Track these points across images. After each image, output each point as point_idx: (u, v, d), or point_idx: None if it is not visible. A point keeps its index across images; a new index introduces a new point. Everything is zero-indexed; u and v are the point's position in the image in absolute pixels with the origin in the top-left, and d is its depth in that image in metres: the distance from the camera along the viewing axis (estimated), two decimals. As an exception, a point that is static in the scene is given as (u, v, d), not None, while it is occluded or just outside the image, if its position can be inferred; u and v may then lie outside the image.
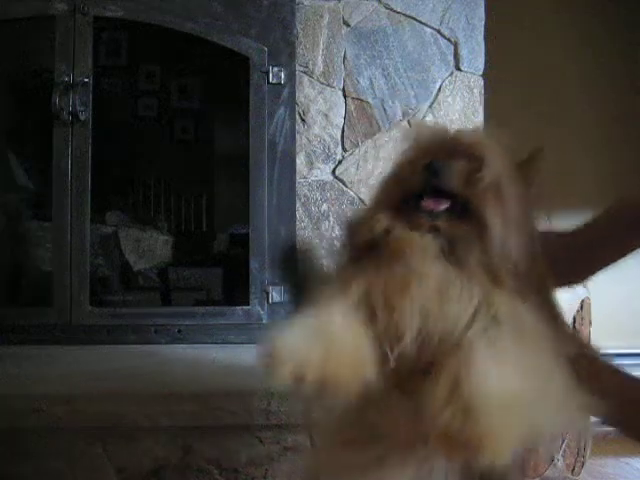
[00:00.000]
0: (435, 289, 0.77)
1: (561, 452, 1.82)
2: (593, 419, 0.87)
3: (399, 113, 2.21)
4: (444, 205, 0.80)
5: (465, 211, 0.80)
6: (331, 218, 2.19)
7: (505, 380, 0.71)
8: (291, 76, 2.14)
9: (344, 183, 2.20)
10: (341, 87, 2.21)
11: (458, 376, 0.72)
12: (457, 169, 0.81)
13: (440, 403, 0.71)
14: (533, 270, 0.80)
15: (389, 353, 0.78)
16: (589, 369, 0.82)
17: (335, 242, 2.19)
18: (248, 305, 2.11)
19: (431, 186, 0.81)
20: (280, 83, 2.13)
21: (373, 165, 2.18)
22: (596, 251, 1.04)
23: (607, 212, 1.06)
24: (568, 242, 1.04)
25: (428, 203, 0.81)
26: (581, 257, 1.05)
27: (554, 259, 0.85)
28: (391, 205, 0.84)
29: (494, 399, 0.70)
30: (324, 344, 0.76)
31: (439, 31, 2.22)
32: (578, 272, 1.08)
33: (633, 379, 0.91)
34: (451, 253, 0.79)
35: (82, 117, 2.05)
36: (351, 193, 2.20)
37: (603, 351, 0.94)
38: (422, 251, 0.79)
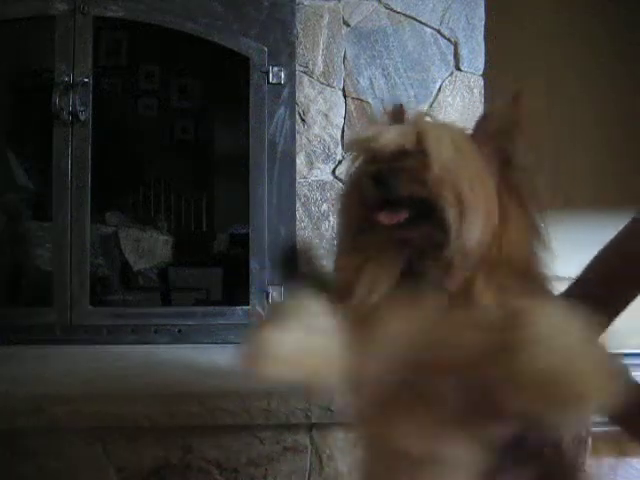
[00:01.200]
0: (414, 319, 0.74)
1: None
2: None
3: (399, 113, 2.21)
4: (401, 216, 0.75)
5: (428, 210, 0.75)
6: (331, 218, 2.19)
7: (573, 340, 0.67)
8: (291, 76, 2.14)
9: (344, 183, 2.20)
10: (341, 87, 2.20)
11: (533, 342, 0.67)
12: (405, 173, 0.75)
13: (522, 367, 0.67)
14: (519, 253, 0.76)
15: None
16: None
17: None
18: (248, 305, 2.11)
19: (384, 199, 0.76)
20: (280, 83, 2.13)
21: (373, 165, 2.18)
22: (614, 287, 0.95)
23: (619, 242, 0.96)
24: (584, 284, 0.97)
25: (384, 218, 0.76)
26: (599, 298, 0.91)
27: None
28: (355, 227, 0.80)
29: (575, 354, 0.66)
30: (304, 343, 0.74)
31: (439, 31, 2.22)
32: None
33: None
34: (422, 264, 0.76)
35: (82, 117, 2.05)
36: (351, 193, 2.19)
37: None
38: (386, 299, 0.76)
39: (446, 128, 0.80)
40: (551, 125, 2.68)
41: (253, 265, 2.11)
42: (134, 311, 2.19)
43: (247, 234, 2.14)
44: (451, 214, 0.73)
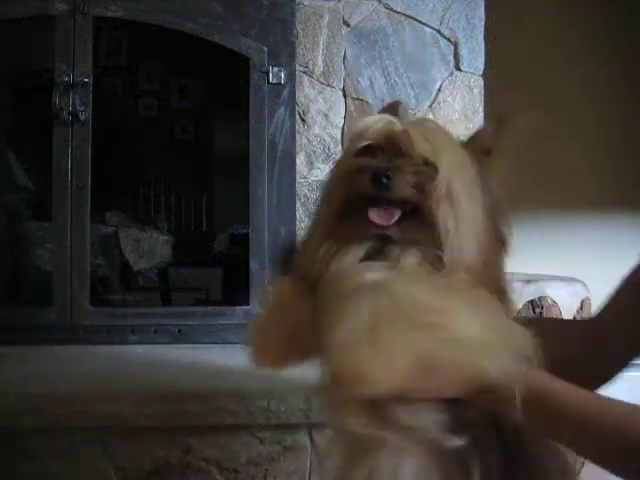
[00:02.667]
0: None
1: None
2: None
3: (399, 113, 2.21)
4: (394, 219, 0.75)
5: (417, 214, 0.76)
6: (331, 218, 2.19)
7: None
8: (291, 76, 2.14)
9: (344, 183, 2.20)
10: (341, 87, 2.21)
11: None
12: (407, 176, 0.75)
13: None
14: (487, 269, 0.76)
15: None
16: None
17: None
18: (248, 305, 2.11)
19: (379, 198, 0.75)
20: (280, 83, 2.13)
21: (373, 165, 2.18)
22: (621, 341, 0.86)
23: (627, 289, 0.87)
24: (585, 332, 0.90)
25: (376, 218, 0.75)
26: (604, 351, 0.87)
27: (567, 356, 0.78)
28: (335, 214, 0.79)
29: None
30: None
31: (439, 31, 2.22)
32: (601, 369, 0.88)
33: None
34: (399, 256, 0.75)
35: (82, 117, 2.05)
36: (351, 193, 2.20)
37: None
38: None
39: (449, 137, 0.79)
40: (551, 125, 2.68)
41: (253, 265, 2.11)
42: (134, 311, 2.19)
43: (247, 234, 2.14)
44: (448, 229, 0.74)
